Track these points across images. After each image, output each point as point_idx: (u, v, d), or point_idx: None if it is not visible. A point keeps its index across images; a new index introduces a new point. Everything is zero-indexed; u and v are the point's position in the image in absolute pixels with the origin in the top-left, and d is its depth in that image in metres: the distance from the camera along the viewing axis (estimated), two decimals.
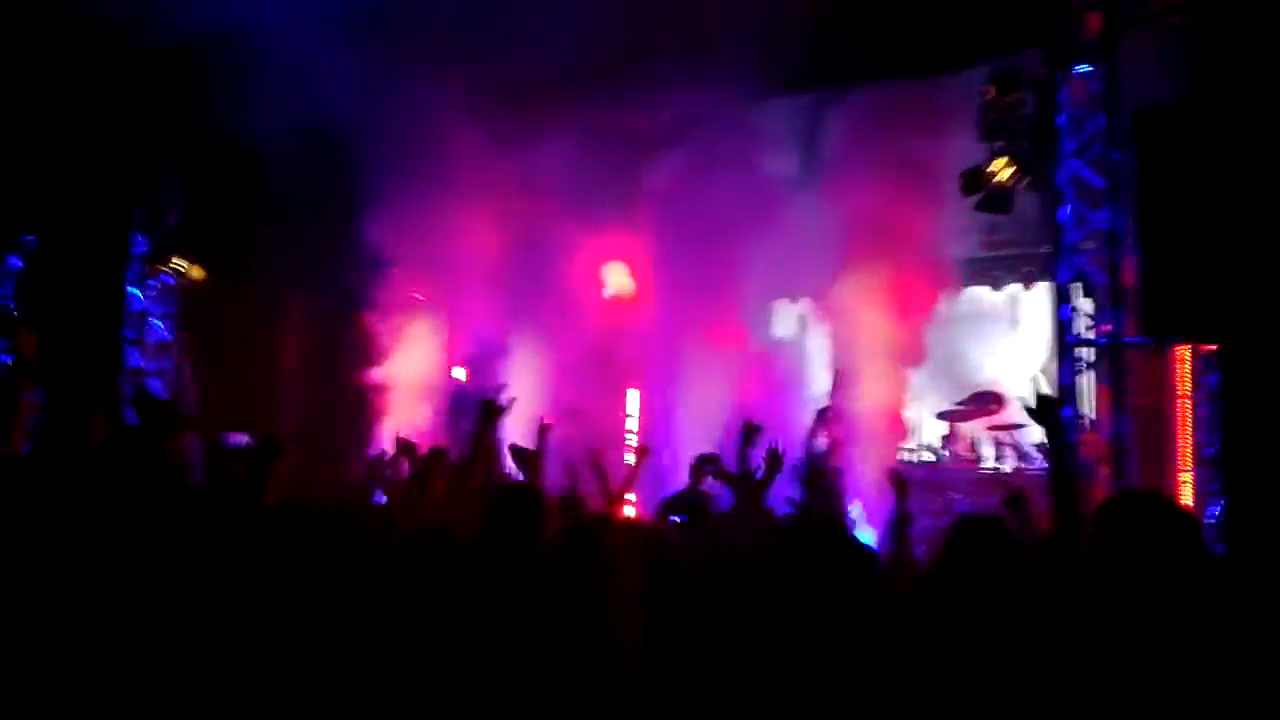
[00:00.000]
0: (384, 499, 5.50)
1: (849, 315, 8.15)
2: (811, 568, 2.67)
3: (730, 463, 4.36)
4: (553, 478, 5.44)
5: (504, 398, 4.01)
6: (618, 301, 9.40)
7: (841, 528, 3.52)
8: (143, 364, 9.85)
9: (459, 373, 10.06)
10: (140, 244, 9.71)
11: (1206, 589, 2.66)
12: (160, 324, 9.97)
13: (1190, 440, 8.18)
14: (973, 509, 8.75)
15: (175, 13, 6.66)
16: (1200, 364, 7.73)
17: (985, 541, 3.02)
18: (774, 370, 9.16)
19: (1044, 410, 3.47)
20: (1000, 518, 3.25)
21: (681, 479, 6.27)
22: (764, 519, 3.83)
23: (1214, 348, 6.62)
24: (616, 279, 9.72)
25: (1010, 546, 3.05)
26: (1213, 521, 6.94)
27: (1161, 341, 6.13)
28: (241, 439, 7.88)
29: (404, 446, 5.29)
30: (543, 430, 4.75)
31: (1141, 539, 2.70)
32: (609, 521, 3.21)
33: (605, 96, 7.69)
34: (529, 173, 8.23)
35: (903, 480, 4.38)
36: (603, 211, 8.38)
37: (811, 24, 6.84)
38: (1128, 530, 2.75)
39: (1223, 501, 6.65)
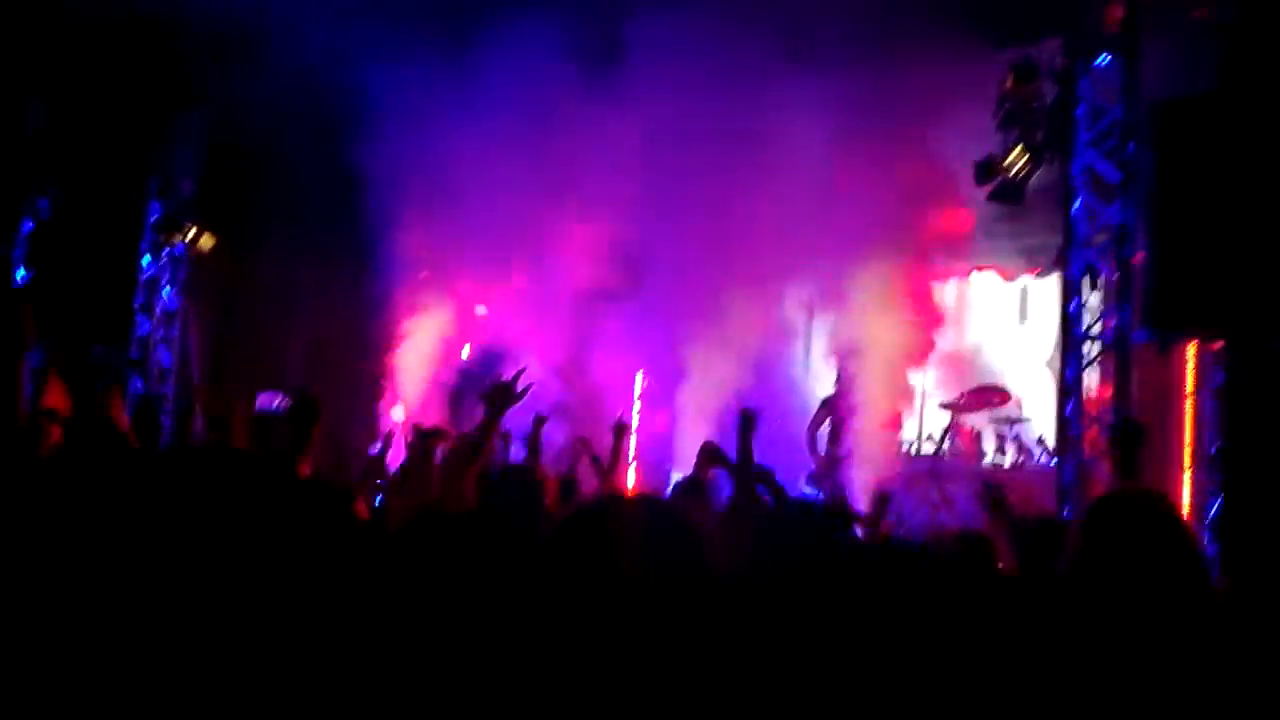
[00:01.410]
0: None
1: (854, 306, 8.17)
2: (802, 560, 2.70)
3: (731, 451, 4.39)
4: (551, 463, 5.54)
5: (520, 383, 3.95)
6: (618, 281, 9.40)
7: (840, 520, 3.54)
8: (152, 331, 9.92)
9: (465, 352, 10.10)
10: (154, 211, 9.76)
11: (1194, 594, 2.66)
12: (169, 292, 10.03)
13: (1193, 438, 8.20)
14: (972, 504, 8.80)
15: None
16: (1206, 362, 7.73)
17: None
18: (779, 355, 9.19)
19: (1129, 439, 3.44)
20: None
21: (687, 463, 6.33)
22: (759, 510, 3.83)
23: (1219, 346, 6.61)
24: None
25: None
26: (1212, 518, 6.96)
27: (1167, 337, 6.12)
28: (274, 400, 7.64)
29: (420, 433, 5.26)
30: (537, 422, 4.91)
31: (1129, 540, 2.71)
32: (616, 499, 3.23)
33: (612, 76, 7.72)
34: (539, 148, 8.25)
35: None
36: (608, 187, 8.38)
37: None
38: (1116, 531, 2.76)
39: (1220, 498, 6.67)
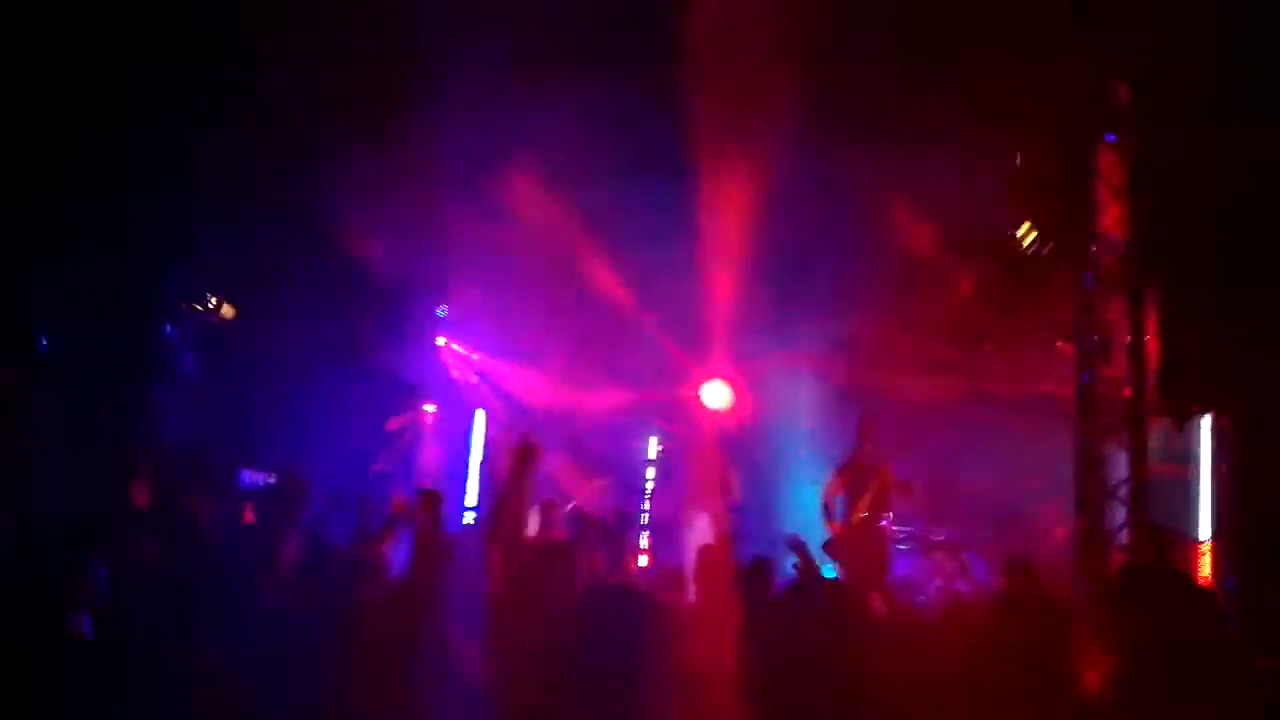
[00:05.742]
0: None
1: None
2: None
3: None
4: None
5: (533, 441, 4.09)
6: None
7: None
8: (172, 403, 9.97)
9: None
10: (175, 283, 9.89)
11: (1223, 659, 2.70)
12: (191, 363, 10.10)
13: (1211, 510, 8.16)
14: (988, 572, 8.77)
15: None
16: (1224, 434, 7.72)
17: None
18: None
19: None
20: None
21: None
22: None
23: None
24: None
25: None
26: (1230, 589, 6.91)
27: (1181, 410, 6.16)
28: (260, 478, 7.69)
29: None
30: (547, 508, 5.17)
31: (1157, 611, 2.75)
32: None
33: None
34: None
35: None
36: None
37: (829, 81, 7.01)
38: (1142, 603, 2.80)
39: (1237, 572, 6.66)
